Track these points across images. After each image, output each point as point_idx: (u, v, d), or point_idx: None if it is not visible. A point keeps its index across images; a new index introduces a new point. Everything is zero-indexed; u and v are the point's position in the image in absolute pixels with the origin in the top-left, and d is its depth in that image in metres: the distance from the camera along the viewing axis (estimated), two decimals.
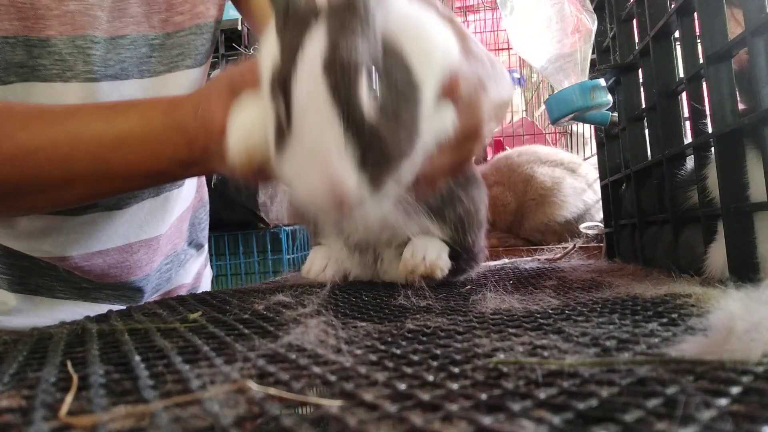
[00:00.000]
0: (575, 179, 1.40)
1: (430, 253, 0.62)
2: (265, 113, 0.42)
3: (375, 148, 0.38)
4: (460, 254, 0.67)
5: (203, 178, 1.00)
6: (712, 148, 0.54)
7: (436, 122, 0.46)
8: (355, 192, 0.38)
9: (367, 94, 0.37)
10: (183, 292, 0.94)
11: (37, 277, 0.79)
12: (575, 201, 1.36)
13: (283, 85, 0.38)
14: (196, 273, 1.00)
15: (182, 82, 0.79)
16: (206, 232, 1.03)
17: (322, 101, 0.36)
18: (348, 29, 0.37)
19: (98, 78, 0.71)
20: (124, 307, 0.60)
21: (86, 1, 0.68)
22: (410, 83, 0.41)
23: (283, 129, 0.39)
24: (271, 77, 0.40)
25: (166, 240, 0.88)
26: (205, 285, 1.04)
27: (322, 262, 0.71)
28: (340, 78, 0.36)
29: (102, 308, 0.71)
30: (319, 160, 0.37)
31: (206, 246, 1.05)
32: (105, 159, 0.61)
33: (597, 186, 1.36)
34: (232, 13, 0.93)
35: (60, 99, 0.69)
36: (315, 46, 0.37)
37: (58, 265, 0.78)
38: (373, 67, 0.38)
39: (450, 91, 0.47)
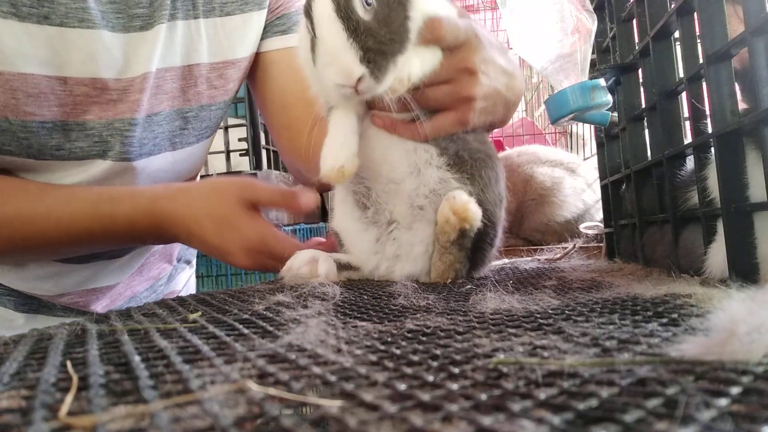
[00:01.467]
0: (575, 179, 1.40)
1: (461, 195, 0.60)
2: (303, 37, 0.58)
3: (372, 45, 0.52)
4: (484, 232, 0.64)
5: None
6: (712, 148, 0.54)
7: (425, 54, 0.59)
8: (361, 76, 0.52)
9: (362, 7, 0.52)
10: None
11: (38, 301, 0.83)
12: (575, 201, 1.36)
13: (307, 11, 0.55)
14: (186, 283, 1.05)
15: (203, 150, 0.85)
16: (193, 250, 1.07)
17: (330, 16, 0.52)
18: None
19: (133, 158, 0.75)
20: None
21: (127, 91, 0.71)
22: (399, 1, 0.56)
23: (313, 42, 0.55)
24: (303, 8, 0.56)
25: (154, 265, 0.91)
26: (191, 291, 1.10)
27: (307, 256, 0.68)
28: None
29: None
30: (334, 56, 0.52)
31: (194, 261, 1.10)
32: (92, 244, 0.73)
33: (597, 186, 1.36)
34: None
35: (93, 173, 0.73)
36: None
37: (55, 301, 0.82)
38: None
39: (433, 28, 0.58)
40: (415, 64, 0.59)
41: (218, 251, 0.70)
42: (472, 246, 0.64)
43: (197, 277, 2.08)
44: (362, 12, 0.52)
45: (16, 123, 0.65)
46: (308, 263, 0.66)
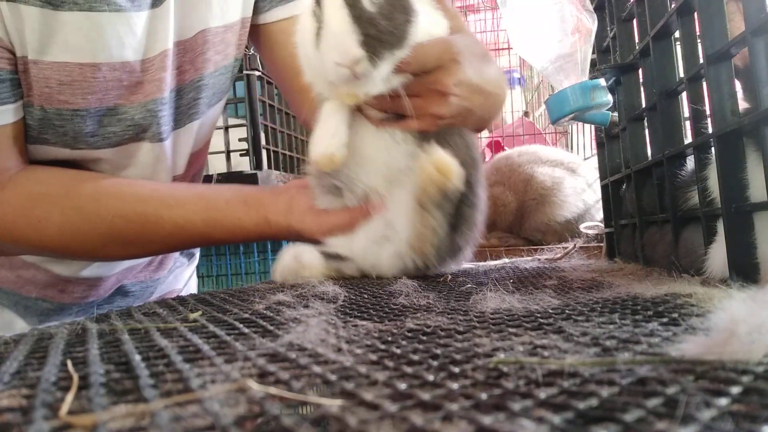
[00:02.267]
0: (575, 179, 1.40)
1: (440, 150, 0.60)
2: (307, 24, 0.60)
3: (372, 33, 0.55)
4: (462, 213, 0.65)
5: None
6: (712, 148, 0.54)
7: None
8: (359, 58, 0.55)
9: (368, 0, 0.56)
10: (173, 295, 0.98)
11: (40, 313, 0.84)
12: (575, 201, 1.36)
13: (317, 0, 0.58)
14: (188, 279, 1.05)
15: (212, 117, 0.86)
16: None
17: (338, 4, 0.55)
18: None
19: (164, 138, 0.76)
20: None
21: (149, 71, 0.72)
22: (404, 3, 0.59)
23: (319, 27, 0.57)
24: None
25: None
26: (192, 291, 1.09)
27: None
28: None
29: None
30: (336, 39, 0.55)
31: (197, 255, 1.09)
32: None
33: (597, 186, 1.36)
34: None
35: (133, 159, 0.75)
36: None
37: (64, 283, 0.82)
38: None
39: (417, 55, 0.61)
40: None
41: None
42: (454, 212, 0.63)
43: (197, 277, 2.09)
44: (368, 4, 0.56)
45: (51, 111, 0.66)
46: (294, 258, 0.67)
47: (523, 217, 1.43)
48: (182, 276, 1.03)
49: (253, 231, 0.72)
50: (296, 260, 0.66)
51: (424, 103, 0.65)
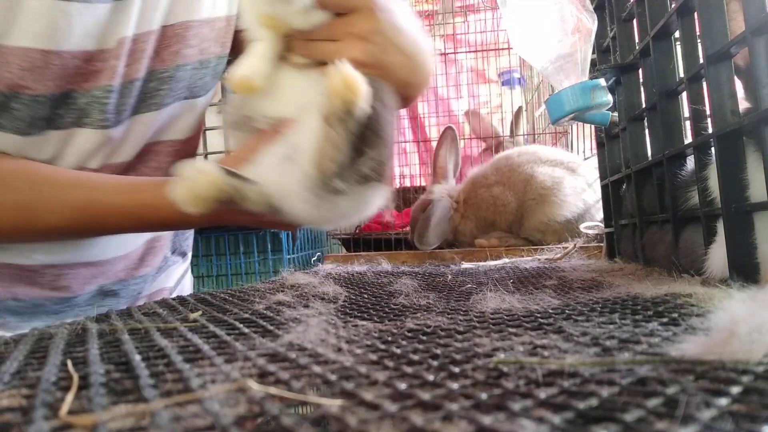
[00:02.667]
0: (575, 179, 1.40)
1: (349, 66, 0.59)
2: None
3: None
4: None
5: None
6: (712, 148, 0.54)
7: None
8: None
9: None
10: (165, 294, 0.96)
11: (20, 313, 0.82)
12: (575, 201, 1.36)
13: None
14: (180, 277, 1.02)
15: (186, 111, 0.83)
16: (190, 241, 1.05)
17: None
18: None
19: (110, 125, 0.74)
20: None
21: (106, 60, 0.71)
22: None
23: None
24: None
25: (138, 256, 0.90)
26: (187, 290, 1.06)
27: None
28: None
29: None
30: None
31: (189, 254, 1.07)
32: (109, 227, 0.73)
33: (597, 186, 1.36)
34: None
35: (73, 144, 0.73)
36: None
37: (33, 279, 0.80)
38: None
39: None
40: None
41: None
42: (359, 134, 0.61)
43: (197, 277, 2.09)
44: None
45: (10, 95, 0.66)
46: (194, 168, 0.61)
47: (523, 217, 1.43)
48: (174, 274, 1.01)
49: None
50: (195, 169, 0.60)
51: (341, 47, 0.65)
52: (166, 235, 0.94)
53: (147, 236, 0.89)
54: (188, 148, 0.88)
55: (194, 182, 0.58)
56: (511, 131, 1.97)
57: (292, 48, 0.65)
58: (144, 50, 0.74)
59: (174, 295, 0.97)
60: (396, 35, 0.66)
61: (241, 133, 0.71)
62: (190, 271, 1.10)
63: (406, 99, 0.72)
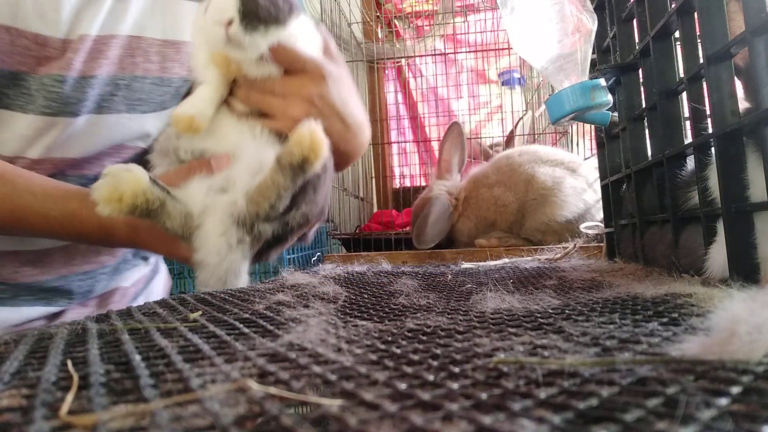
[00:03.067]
0: (575, 179, 1.40)
1: (320, 128, 0.62)
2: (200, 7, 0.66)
3: (251, 5, 0.61)
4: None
5: None
6: (712, 148, 0.54)
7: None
8: (232, 18, 0.61)
9: None
10: (119, 294, 0.95)
11: None
12: (575, 201, 1.36)
13: None
14: (136, 280, 1.00)
15: (136, 123, 0.83)
16: None
17: None
18: None
19: (55, 113, 0.74)
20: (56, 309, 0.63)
21: (64, 50, 0.71)
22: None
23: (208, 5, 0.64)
24: None
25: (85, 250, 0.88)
26: (155, 293, 1.04)
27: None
28: None
29: (30, 311, 0.81)
30: (219, 2, 0.62)
31: (153, 259, 1.05)
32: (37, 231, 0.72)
33: (597, 186, 1.36)
34: None
35: (14, 127, 0.73)
36: None
37: None
38: None
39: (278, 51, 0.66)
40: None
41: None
42: (300, 189, 0.65)
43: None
44: None
45: None
46: (125, 167, 0.61)
47: (524, 217, 1.43)
48: (131, 275, 0.98)
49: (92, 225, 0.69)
50: (123, 168, 0.60)
51: (286, 104, 0.68)
52: None
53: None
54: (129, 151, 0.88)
55: (118, 180, 0.58)
56: (509, 141, 1.97)
57: (235, 94, 0.69)
58: (103, 52, 0.75)
59: (140, 299, 0.97)
60: (338, 104, 0.70)
61: (167, 160, 0.72)
62: (163, 276, 1.09)
63: (337, 165, 0.74)
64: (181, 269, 2.17)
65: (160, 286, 1.07)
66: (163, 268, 1.12)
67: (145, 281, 1.02)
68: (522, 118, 2.00)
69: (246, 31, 0.62)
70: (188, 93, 0.82)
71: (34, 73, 0.71)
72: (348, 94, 0.73)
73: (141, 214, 0.60)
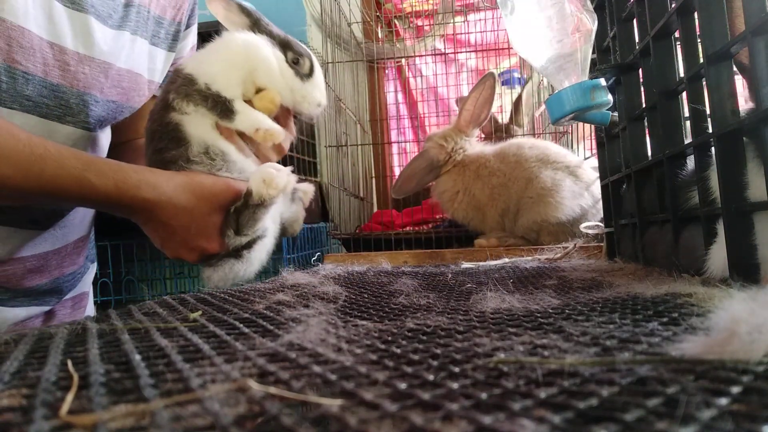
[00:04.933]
0: (576, 183, 1.38)
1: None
2: (273, 55, 0.79)
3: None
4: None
5: None
6: (713, 148, 0.54)
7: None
8: (320, 110, 0.80)
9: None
10: (87, 298, 1.00)
11: None
12: (571, 204, 1.35)
13: (309, 57, 0.81)
14: (90, 283, 1.05)
15: (85, 140, 0.87)
16: (94, 250, 1.09)
17: (317, 64, 0.82)
18: None
19: (93, 128, 0.82)
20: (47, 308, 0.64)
21: (95, 69, 0.80)
22: None
23: (301, 73, 0.80)
24: (297, 51, 0.81)
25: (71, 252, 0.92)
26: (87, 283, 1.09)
27: None
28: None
29: (22, 312, 0.83)
30: (321, 88, 0.83)
31: (96, 263, 1.10)
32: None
33: (594, 188, 1.35)
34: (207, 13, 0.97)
35: (51, 136, 0.76)
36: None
37: None
38: None
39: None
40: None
41: (176, 240, 0.75)
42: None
43: (196, 276, 2.09)
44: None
45: (2, 66, 0.70)
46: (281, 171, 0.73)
47: (518, 212, 1.42)
48: (88, 280, 1.03)
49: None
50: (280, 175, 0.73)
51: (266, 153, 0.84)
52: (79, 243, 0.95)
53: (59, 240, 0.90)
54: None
55: (274, 174, 0.71)
56: (511, 119, 1.92)
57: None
58: (79, 68, 0.80)
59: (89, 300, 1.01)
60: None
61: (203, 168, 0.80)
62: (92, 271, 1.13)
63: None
64: (182, 269, 2.17)
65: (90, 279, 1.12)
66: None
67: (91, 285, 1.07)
68: (525, 85, 1.95)
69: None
70: None
71: (71, 87, 0.77)
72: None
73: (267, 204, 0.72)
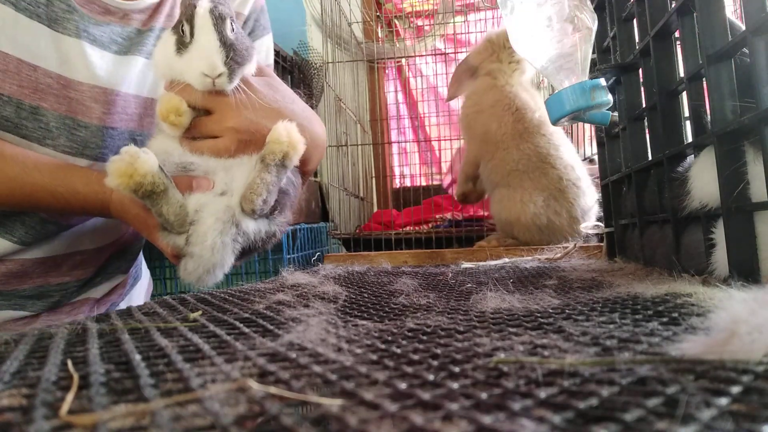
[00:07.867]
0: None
1: (294, 126, 0.70)
2: (169, 36, 0.72)
3: (231, 55, 0.69)
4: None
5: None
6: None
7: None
8: (222, 72, 0.68)
9: (230, 29, 0.70)
10: (89, 304, 0.98)
11: None
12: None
13: (189, 18, 0.69)
14: (110, 290, 1.03)
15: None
16: (135, 270, 1.09)
17: (209, 27, 0.69)
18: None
19: (75, 154, 0.81)
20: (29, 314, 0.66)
21: (84, 93, 0.80)
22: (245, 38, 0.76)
23: (184, 42, 0.70)
24: (180, 16, 0.71)
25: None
26: (134, 300, 1.08)
27: None
28: (217, 18, 0.69)
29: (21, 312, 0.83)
30: (207, 53, 0.68)
31: (134, 270, 1.09)
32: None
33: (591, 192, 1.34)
34: None
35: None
36: (204, 3, 0.70)
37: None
38: (231, 18, 0.71)
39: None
40: None
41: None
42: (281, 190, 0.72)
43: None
44: (229, 32, 0.70)
45: None
46: (140, 150, 0.65)
47: (494, 188, 1.41)
48: (103, 288, 1.01)
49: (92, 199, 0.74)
50: (141, 150, 0.64)
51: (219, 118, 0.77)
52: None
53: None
54: None
55: (134, 158, 0.63)
56: None
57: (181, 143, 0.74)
58: (128, 109, 0.84)
59: (121, 305, 1.00)
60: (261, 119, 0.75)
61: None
62: (144, 283, 1.13)
63: (304, 168, 0.81)
64: None
65: (141, 293, 1.11)
66: (146, 275, 1.16)
67: (123, 290, 1.05)
68: None
69: (230, 81, 0.71)
70: None
71: (54, 110, 0.78)
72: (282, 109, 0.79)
73: (143, 195, 0.64)
